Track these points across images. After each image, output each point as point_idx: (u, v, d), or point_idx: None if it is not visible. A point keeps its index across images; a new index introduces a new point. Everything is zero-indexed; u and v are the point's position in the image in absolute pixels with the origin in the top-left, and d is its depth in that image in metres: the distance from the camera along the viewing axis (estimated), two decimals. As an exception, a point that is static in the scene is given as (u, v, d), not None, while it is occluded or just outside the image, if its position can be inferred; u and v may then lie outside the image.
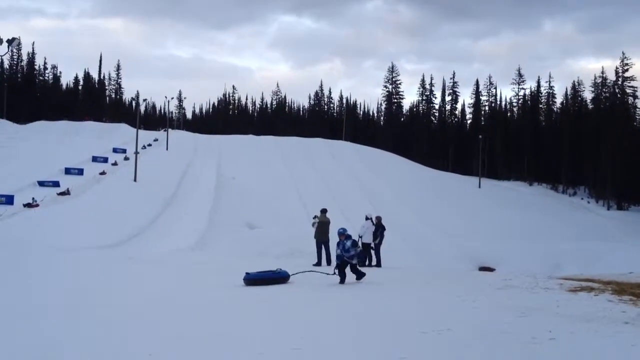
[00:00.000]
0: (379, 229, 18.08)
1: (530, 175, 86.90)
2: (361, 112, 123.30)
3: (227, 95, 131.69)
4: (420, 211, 52.50)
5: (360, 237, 17.68)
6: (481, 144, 77.39)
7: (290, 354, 6.61)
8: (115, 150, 66.41)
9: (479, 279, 14.66)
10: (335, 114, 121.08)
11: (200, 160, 65.54)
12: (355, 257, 12.83)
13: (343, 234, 12.91)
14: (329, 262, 17.61)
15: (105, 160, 59.70)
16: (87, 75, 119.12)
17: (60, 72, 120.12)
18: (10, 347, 6.42)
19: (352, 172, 66.49)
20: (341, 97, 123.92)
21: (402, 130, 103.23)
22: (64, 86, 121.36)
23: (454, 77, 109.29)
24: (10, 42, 26.34)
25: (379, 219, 18.43)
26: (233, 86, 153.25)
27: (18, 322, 8.44)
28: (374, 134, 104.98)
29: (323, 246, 18.04)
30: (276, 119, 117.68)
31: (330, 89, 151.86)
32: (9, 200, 36.52)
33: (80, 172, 51.10)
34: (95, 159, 59.30)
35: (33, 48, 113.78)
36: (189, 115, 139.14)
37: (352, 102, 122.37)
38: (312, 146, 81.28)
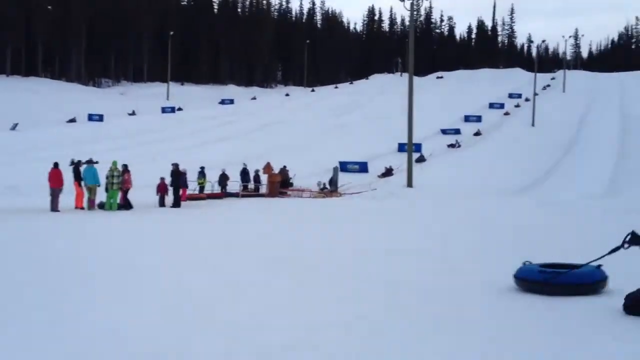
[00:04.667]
0: None
1: None
2: None
3: (628, 28, 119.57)
4: None
5: None
6: None
7: None
8: (510, 96, 66.30)
9: None
10: None
11: (601, 100, 61.07)
12: None
13: None
14: None
15: (502, 106, 60.01)
16: (480, 24, 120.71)
17: (455, 23, 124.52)
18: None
19: None
20: None
21: None
22: (458, 37, 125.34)
23: None
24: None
25: None
26: (637, 17, 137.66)
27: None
28: None
29: None
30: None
31: None
32: (417, 148, 39.46)
33: (478, 119, 52.52)
34: (491, 105, 60.16)
35: (430, 2, 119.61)
36: (585, 54, 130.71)
37: None
38: None
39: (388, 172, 33.48)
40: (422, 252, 10.20)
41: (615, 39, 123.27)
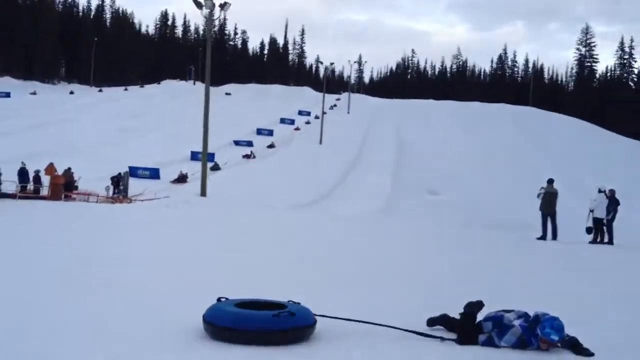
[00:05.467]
0: (612, 203, 16.71)
1: None
2: (548, 77, 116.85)
3: (405, 60, 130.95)
4: (619, 186, 48.65)
5: (591, 211, 16.63)
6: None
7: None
8: (300, 113, 68.98)
9: None
10: (519, 79, 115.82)
11: (380, 124, 65.97)
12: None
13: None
14: (554, 236, 16.61)
15: (292, 122, 62.20)
16: (272, 41, 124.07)
17: (248, 38, 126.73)
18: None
19: (538, 140, 63.24)
20: (527, 61, 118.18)
21: (596, 97, 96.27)
22: (251, 51, 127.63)
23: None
24: (222, 6, 28.07)
25: (612, 192, 17.07)
26: (412, 50, 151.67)
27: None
28: (562, 101, 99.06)
29: (549, 219, 16.91)
30: (456, 83, 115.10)
31: (514, 53, 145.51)
32: (210, 157, 39.30)
33: (270, 133, 53.86)
34: (282, 120, 62.08)
35: (224, 15, 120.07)
36: (366, 79, 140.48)
37: (538, 66, 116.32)
38: (495, 112, 78.40)
39: (182, 179, 32.98)
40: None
41: (394, 68, 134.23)
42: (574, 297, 7.98)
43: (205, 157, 28.55)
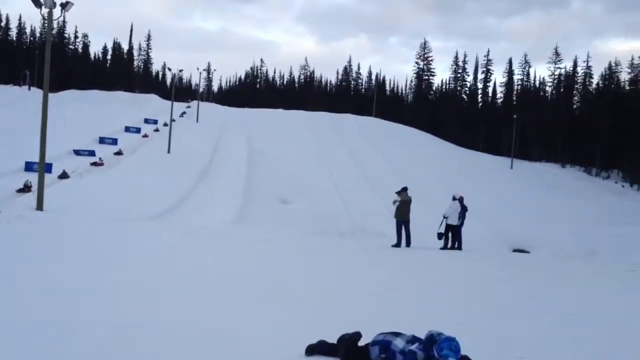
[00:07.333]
0: (461, 210, 17.20)
1: (563, 157, 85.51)
2: (389, 89, 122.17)
3: (254, 69, 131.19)
4: (452, 190, 51.70)
5: (446, 217, 17.06)
6: (515, 124, 76.09)
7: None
8: (147, 121, 66.42)
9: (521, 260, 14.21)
10: (363, 90, 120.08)
11: (231, 133, 65.34)
12: None
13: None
14: (408, 243, 16.87)
15: (138, 130, 59.73)
16: (116, 45, 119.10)
17: (90, 41, 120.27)
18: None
19: (382, 149, 65.86)
20: (370, 73, 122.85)
21: (433, 108, 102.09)
22: (93, 56, 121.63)
23: (488, 54, 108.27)
24: (64, 5, 26.07)
25: (461, 198, 17.62)
26: (261, 59, 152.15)
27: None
28: (403, 112, 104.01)
29: (404, 226, 17.16)
30: (304, 93, 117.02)
31: (359, 65, 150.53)
32: (48, 168, 36.55)
33: (114, 141, 51.27)
34: (127, 129, 59.38)
35: (64, 17, 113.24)
36: (215, 88, 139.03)
37: (380, 78, 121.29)
38: (343, 122, 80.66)
39: (27, 189, 30.53)
40: None
41: (243, 77, 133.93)
42: (447, 307, 8.01)
43: (42, 167, 26.43)
